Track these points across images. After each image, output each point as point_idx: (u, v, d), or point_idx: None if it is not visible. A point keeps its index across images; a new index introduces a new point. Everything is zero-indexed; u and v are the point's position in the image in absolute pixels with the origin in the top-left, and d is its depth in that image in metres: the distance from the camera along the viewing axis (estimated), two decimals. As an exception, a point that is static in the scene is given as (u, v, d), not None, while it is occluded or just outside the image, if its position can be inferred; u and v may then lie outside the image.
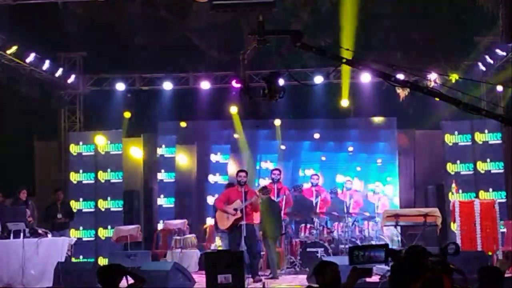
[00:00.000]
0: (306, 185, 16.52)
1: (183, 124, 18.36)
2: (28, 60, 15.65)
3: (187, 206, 18.53)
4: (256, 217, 13.47)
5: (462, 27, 18.43)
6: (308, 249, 14.54)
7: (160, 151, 18.42)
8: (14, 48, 14.91)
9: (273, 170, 16.82)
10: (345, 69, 16.70)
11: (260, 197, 13.34)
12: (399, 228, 14.69)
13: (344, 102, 17.89)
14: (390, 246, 4.74)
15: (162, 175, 18.42)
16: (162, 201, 18.28)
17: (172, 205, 18.25)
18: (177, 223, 16.22)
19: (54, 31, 18.02)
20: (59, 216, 15.61)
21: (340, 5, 18.30)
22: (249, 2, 12.77)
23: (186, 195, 18.62)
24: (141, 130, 18.41)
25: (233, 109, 17.79)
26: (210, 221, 16.70)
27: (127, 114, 18.01)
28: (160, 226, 17.42)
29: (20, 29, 15.71)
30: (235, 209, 13.22)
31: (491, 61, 16.27)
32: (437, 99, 15.50)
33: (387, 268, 10.86)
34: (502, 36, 11.85)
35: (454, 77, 15.06)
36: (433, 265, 4.33)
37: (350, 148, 17.92)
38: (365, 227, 15.80)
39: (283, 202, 15.99)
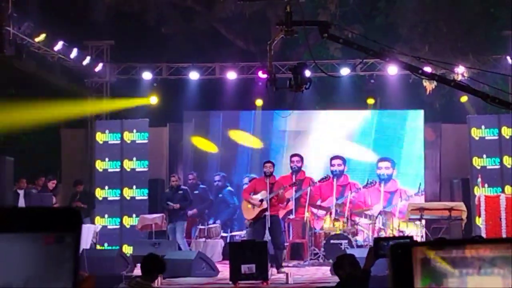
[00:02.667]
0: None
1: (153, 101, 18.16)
2: (56, 48, 15.75)
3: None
4: (282, 208, 13.52)
5: (491, 20, 18.31)
6: (331, 241, 14.54)
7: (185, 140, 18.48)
8: (42, 36, 15.01)
9: (292, 156, 16.79)
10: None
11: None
12: (423, 221, 14.65)
13: (370, 101, 17.95)
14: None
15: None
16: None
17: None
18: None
19: (82, 19, 18.16)
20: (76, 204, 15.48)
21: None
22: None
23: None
24: (166, 119, 18.48)
25: (259, 101, 17.78)
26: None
27: (153, 100, 17.97)
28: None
29: (48, 17, 15.83)
30: (261, 200, 13.26)
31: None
32: (464, 92, 15.51)
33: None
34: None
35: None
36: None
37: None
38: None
39: (307, 197, 16.02)
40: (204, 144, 18.07)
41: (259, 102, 17.93)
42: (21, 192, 14.79)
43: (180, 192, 15.26)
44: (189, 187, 16.17)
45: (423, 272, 1.38)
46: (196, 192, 16.90)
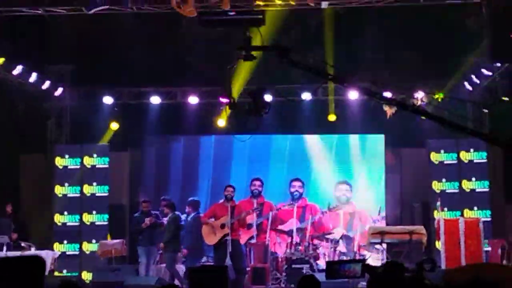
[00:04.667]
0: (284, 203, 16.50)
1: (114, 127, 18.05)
2: (15, 72, 15.62)
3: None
4: (244, 234, 13.49)
5: (449, 46, 18.54)
6: (293, 266, 14.51)
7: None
8: (1, 60, 14.89)
9: (253, 180, 16.70)
10: (331, 86, 16.76)
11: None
12: (384, 245, 14.70)
13: (331, 117, 17.97)
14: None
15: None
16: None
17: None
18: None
19: (42, 43, 18.00)
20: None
21: (327, 23, 18.41)
22: (238, 18, 12.83)
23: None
24: (127, 144, 18.36)
25: (220, 122, 17.76)
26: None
27: (114, 126, 17.90)
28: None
29: (7, 41, 15.69)
30: (222, 225, 13.21)
31: (477, 81, 16.37)
32: (423, 117, 15.64)
33: (364, 283, 10.88)
34: (488, 56, 11.96)
35: (439, 95, 15.13)
36: (409, 281, 4.34)
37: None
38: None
39: (269, 222, 15.94)
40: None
41: (220, 123, 17.88)
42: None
43: (152, 216, 15.01)
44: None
45: None
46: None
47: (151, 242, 14.74)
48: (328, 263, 4.55)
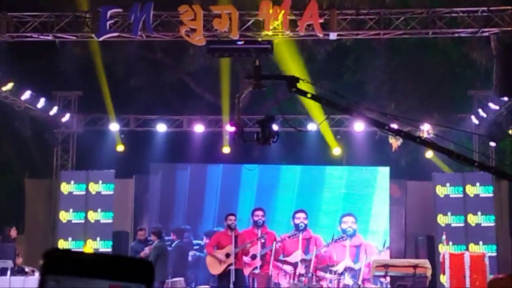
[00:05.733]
0: (289, 233, 16.47)
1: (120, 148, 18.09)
2: (23, 97, 15.68)
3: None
4: (248, 264, 13.45)
5: (456, 80, 18.63)
6: (296, 297, 14.43)
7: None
8: (10, 85, 14.95)
9: (255, 210, 16.70)
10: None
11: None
12: (388, 278, 14.63)
13: (336, 151, 17.99)
14: None
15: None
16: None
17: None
18: None
19: (51, 69, 18.13)
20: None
21: (335, 55, 18.51)
22: (246, 47, 12.90)
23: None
24: (133, 171, 18.37)
25: (226, 149, 17.76)
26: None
27: (120, 148, 17.91)
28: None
29: (16, 66, 15.79)
30: (228, 254, 13.16)
31: (484, 115, 16.39)
32: (429, 149, 15.66)
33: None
34: (495, 90, 12.00)
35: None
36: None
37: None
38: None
39: (272, 253, 15.91)
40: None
41: (226, 150, 17.90)
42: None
43: (150, 244, 14.85)
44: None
45: None
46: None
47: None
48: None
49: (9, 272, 12.92)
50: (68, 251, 0.98)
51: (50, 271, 0.95)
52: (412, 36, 14.75)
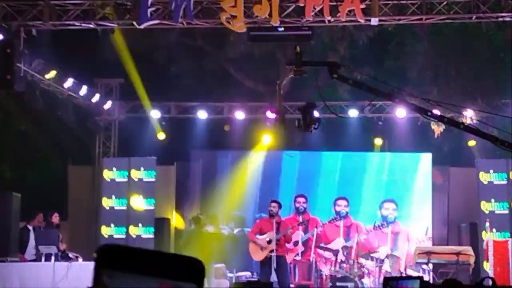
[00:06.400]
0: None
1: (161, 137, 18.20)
2: (66, 85, 15.84)
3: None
4: (289, 251, 13.47)
5: (500, 65, 18.33)
6: (338, 284, 14.40)
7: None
8: (53, 73, 15.10)
9: (297, 197, 16.72)
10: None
11: None
12: (431, 265, 14.52)
13: (377, 141, 17.95)
14: None
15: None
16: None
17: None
18: None
19: (93, 57, 18.26)
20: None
21: (376, 41, 18.34)
22: (287, 34, 12.87)
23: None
24: (174, 158, 18.47)
25: (267, 140, 17.74)
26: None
27: (161, 136, 18.02)
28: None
29: (58, 54, 15.93)
30: (269, 241, 13.18)
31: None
32: (472, 138, 15.47)
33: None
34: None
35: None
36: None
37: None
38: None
39: (314, 238, 15.91)
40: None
41: (267, 142, 17.93)
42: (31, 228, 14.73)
43: None
44: None
45: None
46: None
47: None
48: (385, 278, 4.49)
49: (53, 258, 13.08)
50: (121, 246, 0.98)
51: (104, 265, 0.94)
52: (455, 21, 14.53)
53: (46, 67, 14.91)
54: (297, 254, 16.05)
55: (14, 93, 14.55)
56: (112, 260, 0.95)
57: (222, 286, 15.69)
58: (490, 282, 4.40)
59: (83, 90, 16.47)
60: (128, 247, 0.99)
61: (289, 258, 14.62)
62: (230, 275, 16.53)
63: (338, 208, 16.87)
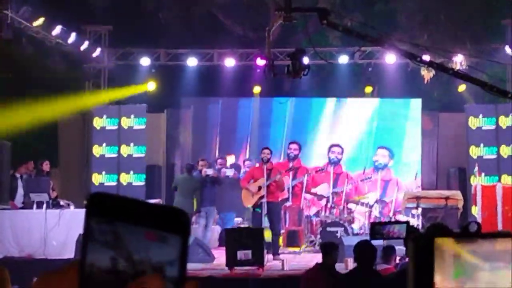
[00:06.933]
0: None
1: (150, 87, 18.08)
2: (54, 32, 15.71)
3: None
4: (280, 195, 13.56)
5: (490, 10, 18.28)
6: (328, 229, 14.55)
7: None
8: (40, 20, 14.97)
9: (290, 143, 16.81)
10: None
11: None
12: (420, 209, 14.67)
13: (368, 89, 18.01)
14: None
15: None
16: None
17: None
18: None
19: (81, 4, 18.08)
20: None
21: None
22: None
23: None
24: (164, 105, 18.45)
25: (257, 89, 17.72)
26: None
27: (151, 85, 17.91)
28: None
29: (47, 1, 15.77)
30: (259, 187, 13.26)
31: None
32: (461, 86, 15.49)
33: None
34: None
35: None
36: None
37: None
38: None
39: (303, 185, 16.02)
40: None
41: (257, 90, 17.93)
42: (19, 176, 14.79)
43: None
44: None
45: (449, 266, 1.36)
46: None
47: (211, 202, 14.42)
48: (372, 224, 4.59)
49: (44, 205, 13.15)
50: (110, 195, 1.00)
51: (93, 213, 0.97)
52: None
53: (34, 14, 14.77)
54: (287, 200, 16.17)
55: (1, 40, 14.43)
56: (101, 208, 0.98)
57: (214, 231, 15.82)
58: (476, 227, 4.45)
59: (72, 38, 16.34)
60: (118, 196, 1.02)
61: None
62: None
63: (331, 155, 16.95)
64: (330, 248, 7.49)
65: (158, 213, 0.99)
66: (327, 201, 15.61)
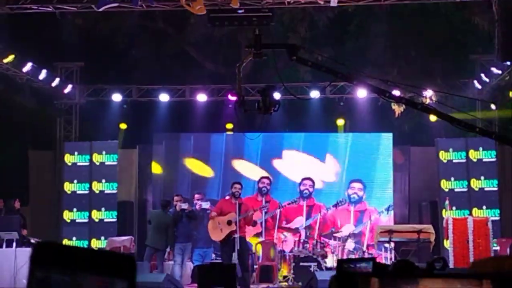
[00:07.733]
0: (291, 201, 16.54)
1: (123, 126, 18.21)
2: (25, 69, 15.66)
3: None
4: (249, 230, 13.49)
5: (458, 45, 18.55)
6: (301, 264, 14.52)
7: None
8: (11, 57, 14.92)
9: (262, 178, 16.79)
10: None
11: None
12: (392, 244, 14.70)
13: (340, 122, 18.11)
14: None
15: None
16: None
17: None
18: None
19: (52, 40, 18.08)
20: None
21: (336, 22, 18.39)
22: (247, 15, 12.85)
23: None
24: (136, 142, 18.41)
25: (229, 125, 17.79)
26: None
27: (123, 126, 18.05)
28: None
29: (17, 38, 15.75)
30: (229, 222, 13.21)
31: (487, 80, 16.35)
32: (432, 116, 15.60)
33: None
34: (497, 55, 11.94)
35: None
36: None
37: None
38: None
39: (276, 219, 15.98)
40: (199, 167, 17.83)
41: (229, 125, 17.96)
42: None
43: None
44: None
45: None
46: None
47: (187, 237, 14.26)
48: (339, 261, 4.58)
49: (14, 244, 13.01)
50: (57, 244, 1.00)
51: (38, 262, 0.97)
52: (413, 1, 14.66)
53: (4, 51, 14.73)
54: (260, 235, 16.12)
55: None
56: (47, 256, 0.98)
57: (186, 268, 15.71)
58: (441, 263, 4.48)
59: (43, 74, 16.30)
60: (63, 245, 1.02)
61: (248, 237, 14.62)
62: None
63: (302, 188, 16.96)
64: None
65: (105, 260, 0.99)
66: (300, 236, 15.60)
